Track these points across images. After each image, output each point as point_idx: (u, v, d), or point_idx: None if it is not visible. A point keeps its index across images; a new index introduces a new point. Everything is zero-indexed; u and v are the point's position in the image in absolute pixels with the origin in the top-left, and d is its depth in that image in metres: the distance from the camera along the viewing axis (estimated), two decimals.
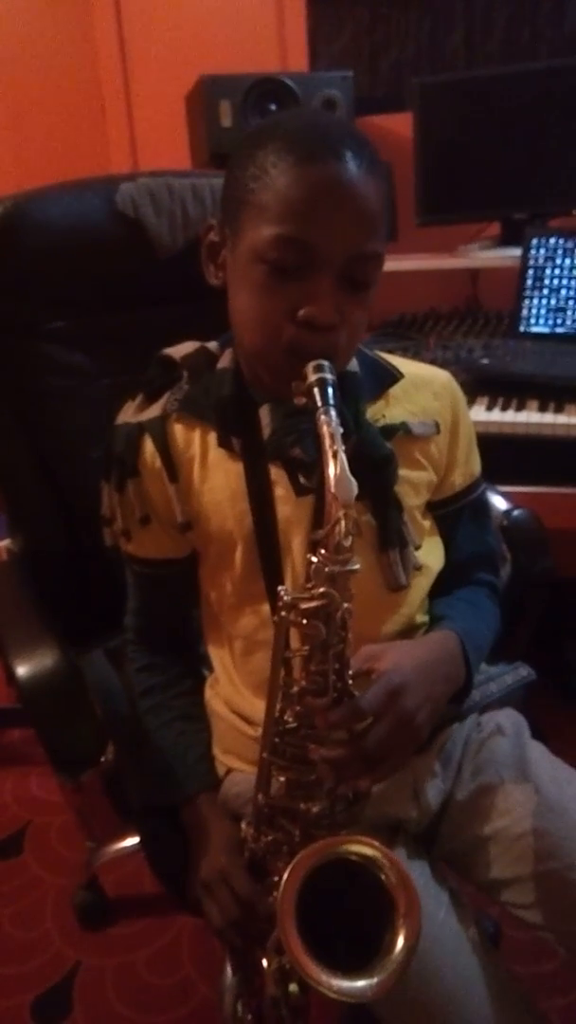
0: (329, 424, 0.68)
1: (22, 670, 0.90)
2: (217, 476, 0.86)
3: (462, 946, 0.79)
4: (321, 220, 0.71)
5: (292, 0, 2.25)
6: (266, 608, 0.87)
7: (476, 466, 0.97)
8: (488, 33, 2.36)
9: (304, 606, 0.69)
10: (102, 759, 0.93)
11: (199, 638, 1.01)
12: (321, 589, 0.68)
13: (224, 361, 0.87)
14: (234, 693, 0.94)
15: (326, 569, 0.68)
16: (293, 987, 0.78)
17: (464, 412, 0.94)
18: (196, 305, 1.00)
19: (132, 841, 1.50)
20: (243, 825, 0.84)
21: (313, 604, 0.69)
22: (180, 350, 0.91)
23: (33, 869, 1.67)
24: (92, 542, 0.97)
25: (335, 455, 0.66)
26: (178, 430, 0.88)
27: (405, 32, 2.42)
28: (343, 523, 0.66)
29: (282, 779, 0.77)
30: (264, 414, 0.83)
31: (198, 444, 0.87)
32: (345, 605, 0.69)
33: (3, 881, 1.65)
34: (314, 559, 0.68)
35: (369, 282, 0.76)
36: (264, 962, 0.79)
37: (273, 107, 1.90)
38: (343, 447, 0.67)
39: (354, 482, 0.66)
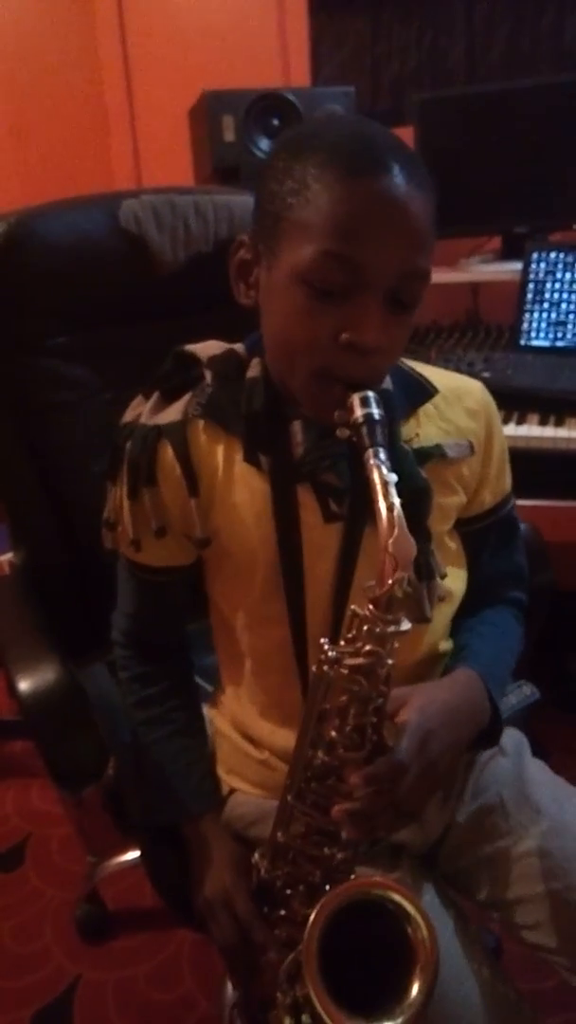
0: (380, 469, 0.65)
1: (24, 685, 0.90)
2: (242, 493, 0.81)
3: (467, 967, 0.78)
4: (371, 237, 0.67)
5: (294, 15, 2.27)
6: (283, 633, 0.84)
7: (507, 483, 0.93)
8: (489, 48, 2.38)
9: (349, 662, 0.67)
10: (103, 774, 0.93)
11: (194, 647, 0.99)
12: (368, 648, 0.66)
13: (254, 370, 0.81)
14: (241, 712, 0.92)
15: (377, 629, 0.66)
16: (306, 1018, 0.77)
17: (498, 428, 0.90)
18: (199, 319, 1.01)
19: (133, 855, 1.50)
20: (256, 856, 0.82)
21: (359, 662, 0.67)
22: (205, 349, 0.85)
23: (34, 882, 1.67)
24: (94, 555, 0.97)
25: (391, 508, 0.63)
26: (201, 438, 0.82)
27: (406, 47, 2.44)
28: (399, 585, 0.64)
29: (304, 821, 0.75)
30: (296, 431, 0.78)
31: (222, 455, 0.82)
32: (389, 662, 0.67)
33: (3, 894, 1.64)
34: (360, 611, 0.66)
35: (415, 303, 0.72)
36: (279, 996, 0.77)
37: (276, 122, 1.92)
38: (399, 500, 0.64)
39: (413, 542, 0.64)
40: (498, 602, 0.95)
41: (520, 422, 1.54)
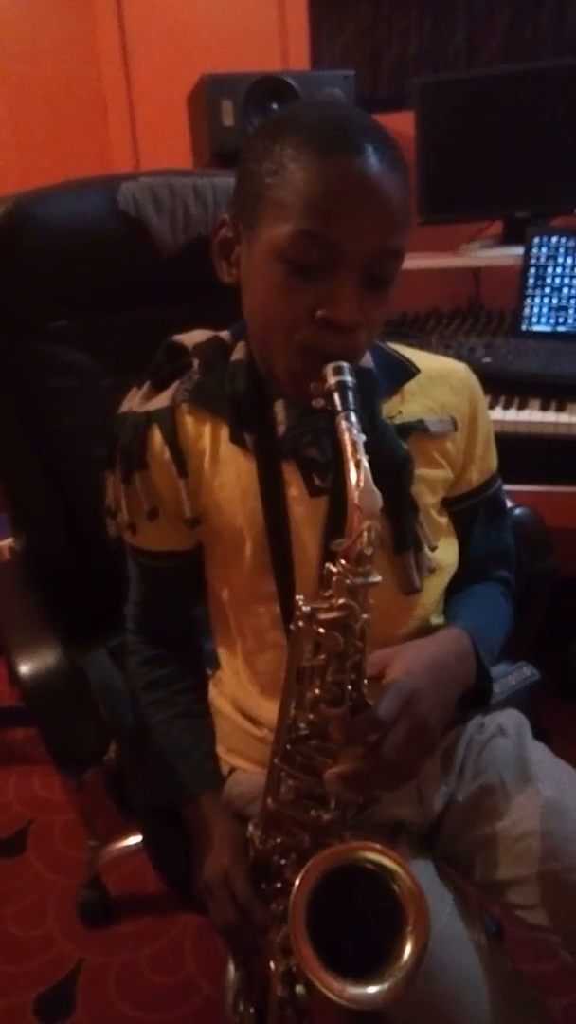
0: (350, 431, 0.66)
1: (25, 669, 0.91)
2: (228, 472, 0.84)
3: (467, 946, 0.78)
4: (344, 217, 0.69)
5: None
6: (276, 609, 0.85)
7: (493, 462, 0.95)
8: (490, 33, 2.36)
9: (323, 617, 0.68)
10: (104, 758, 0.93)
11: (202, 632, 1.00)
12: (341, 601, 0.67)
13: (238, 353, 0.84)
14: (240, 691, 0.93)
15: (347, 581, 0.67)
16: (300, 988, 0.78)
17: (482, 407, 0.92)
18: (198, 303, 1.00)
19: (135, 839, 1.51)
20: (250, 827, 0.83)
21: (333, 615, 0.68)
22: (192, 338, 0.88)
23: (36, 867, 1.68)
24: (95, 541, 0.98)
25: (358, 464, 0.65)
26: (188, 422, 0.85)
27: (407, 31, 2.42)
28: (366, 535, 0.65)
29: (291, 784, 0.76)
30: (279, 410, 0.81)
31: (209, 437, 0.85)
32: (364, 616, 0.68)
33: (6, 880, 1.65)
34: (333, 568, 0.67)
35: (390, 279, 0.74)
36: (271, 964, 0.78)
37: (275, 106, 1.90)
38: (366, 456, 0.66)
39: (378, 494, 0.65)
40: (485, 580, 0.97)
41: (521, 407, 1.54)
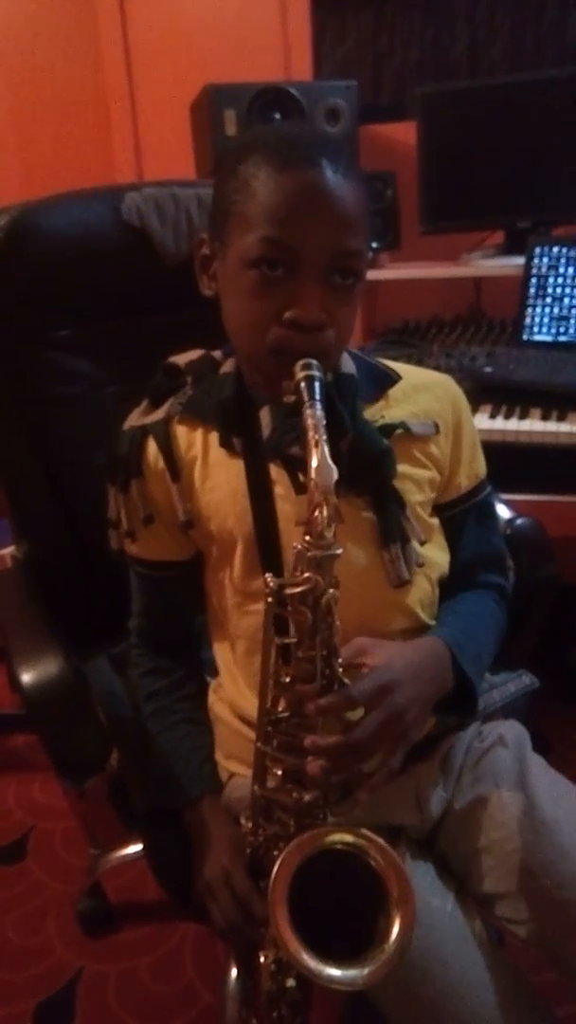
0: (313, 416, 0.70)
1: (27, 677, 0.91)
2: (219, 475, 0.88)
3: (467, 942, 0.80)
4: (300, 222, 0.74)
5: (296, 9, 2.26)
6: None
7: (481, 468, 0.98)
8: (491, 42, 2.38)
9: (290, 591, 0.71)
10: (106, 765, 0.93)
11: (203, 643, 1.02)
12: (306, 574, 0.70)
13: (227, 367, 0.90)
14: (237, 695, 0.94)
15: (309, 554, 0.69)
16: (290, 982, 0.78)
17: (466, 414, 0.96)
18: (201, 312, 1.00)
19: (135, 848, 1.50)
20: (242, 820, 0.85)
21: (298, 589, 0.70)
22: (185, 357, 0.94)
23: (36, 875, 1.67)
24: (97, 549, 0.98)
25: (316, 444, 0.68)
26: (181, 431, 0.90)
27: (408, 41, 2.43)
28: (325, 509, 0.68)
29: (278, 772, 0.78)
30: (264, 415, 0.86)
31: (200, 444, 0.89)
32: (331, 591, 0.71)
33: (6, 886, 1.65)
34: (298, 546, 0.70)
35: (353, 279, 0.78)
36: (261, 958, 0.79)
37: (277, 116, 1.91)
38: (325, 437, 0.69)
39: (334, 468, 0.68)
40: (476, 586, 0.98)
41: (522, 417, 1.54)
